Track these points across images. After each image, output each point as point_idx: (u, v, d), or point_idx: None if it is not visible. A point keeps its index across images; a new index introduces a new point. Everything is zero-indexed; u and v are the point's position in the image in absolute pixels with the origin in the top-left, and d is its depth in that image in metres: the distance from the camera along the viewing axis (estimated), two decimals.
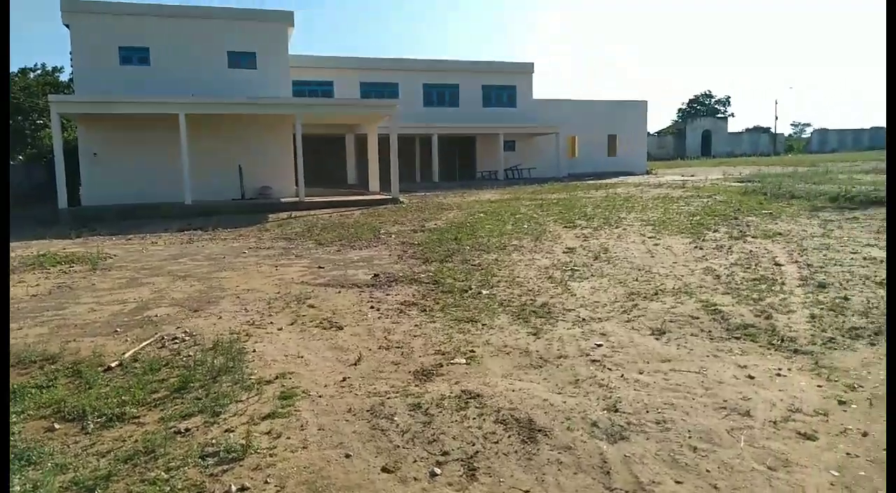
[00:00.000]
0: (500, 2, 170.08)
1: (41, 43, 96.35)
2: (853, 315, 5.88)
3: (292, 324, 6.34)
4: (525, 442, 3.64)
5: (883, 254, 8.51)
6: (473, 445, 3.62)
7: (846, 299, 6.43)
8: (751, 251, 9.14)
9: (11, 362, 5.16)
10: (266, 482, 3.27)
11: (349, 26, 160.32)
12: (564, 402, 4.17)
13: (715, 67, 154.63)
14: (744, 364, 4.81)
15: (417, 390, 4.46)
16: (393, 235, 12.63)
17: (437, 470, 3.35)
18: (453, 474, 3.33)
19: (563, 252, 9.84)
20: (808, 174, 21.79)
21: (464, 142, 35.48)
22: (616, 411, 4.01)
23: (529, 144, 36.16)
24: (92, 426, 3.99)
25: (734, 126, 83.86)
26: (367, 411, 4.12)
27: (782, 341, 5.30)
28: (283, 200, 20.62)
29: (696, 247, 9.74)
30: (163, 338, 5.86)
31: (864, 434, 3.60)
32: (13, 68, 33.73)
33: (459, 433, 3.77)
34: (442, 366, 4.97)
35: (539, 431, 3.76)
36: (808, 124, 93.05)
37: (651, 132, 68.81)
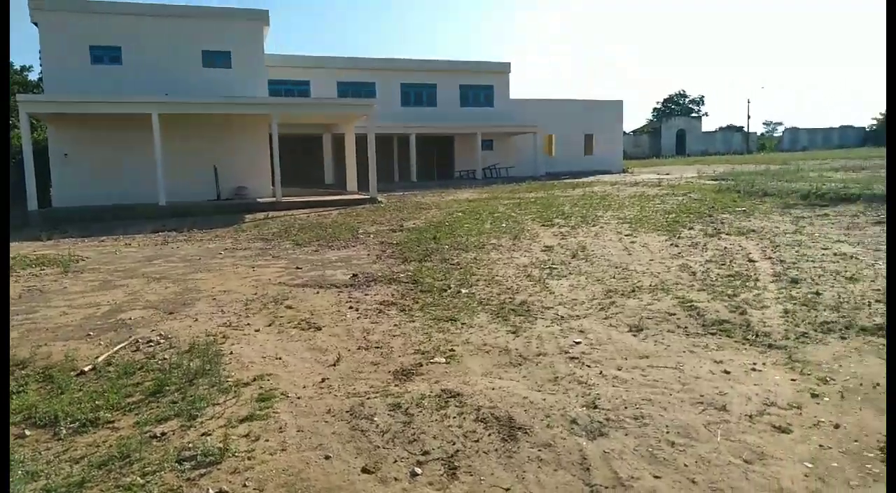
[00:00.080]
0: (489, 2, 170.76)
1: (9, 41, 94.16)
2: (825, 310, 5.99)
3: (270, 325, 6.27)
4: (505, 440, 3.65)
5: (853, 250, 8.69)
6: (454, 444, 3.62)
7: (818, 294, 6.56)
8: (725, 248, 9.27)
9: None
10: (244, 486, 3.23)
11: (326, 26, 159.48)
12: (544, 399, 4.18)
13: (689, 67, 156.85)
14: (719, 359, 4.87)
15: (397, 389, 4.45)
16: (371, 235, 12.58)
17: (418, 470, 3.35)
18: (434, 473, 3.32)
19: (542, 250, 9.89)
20: (780, 172, 22.18)
21: (442, 141, 35.48)
22: (595, 407, 4.04)
23: (507, 143, 36.30)
24: (64, 431, 3.91)
25: (708, 125, 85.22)
26: (347, 411, 4.10)
27: (757, 336, 5.38)
28: (259, 200, 20.43)
29: (671, 244, 9.85)
30: (137, 341, 5.76)
31: (836, 426, 3.68)
32: None
33: (440, 432, 3.77)
34: (422, 365, 4.96)
35: (519, 429, 3.77)
36: (780, 123, 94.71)
37: (627, 131, 69.47)
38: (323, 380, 4.71)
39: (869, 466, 3.24)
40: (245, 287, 8.09)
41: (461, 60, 36.37)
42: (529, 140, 34.91)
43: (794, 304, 6.25)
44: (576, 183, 24.99)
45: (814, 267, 7.78)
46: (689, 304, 6.42)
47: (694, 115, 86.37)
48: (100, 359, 5.22)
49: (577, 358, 5.01)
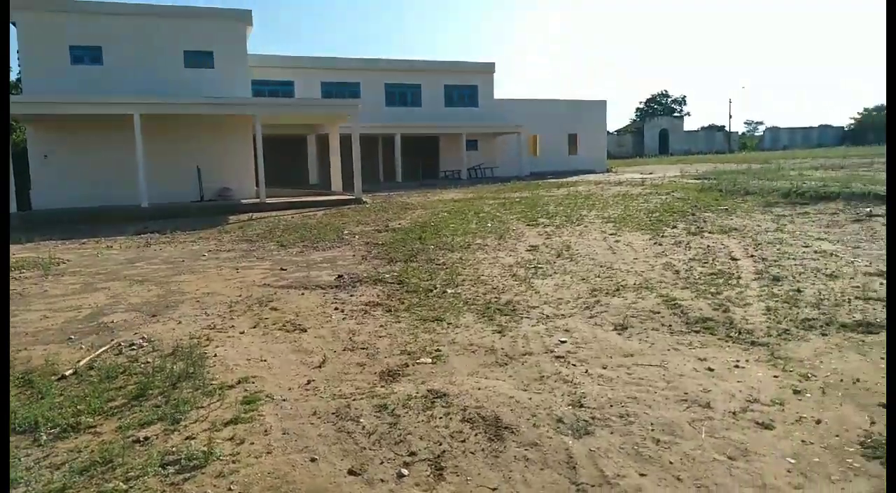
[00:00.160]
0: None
1: None
2: (806, 307, 6.07)
3: (255, 327, 6.23)
4: (492, 440, 3.65)
5: (832, 247, 8.81)
6: (440, 444, 3.62)
7: (799, 291, 6.64)
8: (708, 246, 9.36)
9: None
10: (229, 490, 3.20)
11: (311, 26, 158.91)
12: (530, 399, 4.19)
13: (671, 67, 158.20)
14: (703, 357, 4.91)
15: (383, 390, 4.44)
16: (356, 236, 12.54)
17: (405, 471, 3.34)
18: (420, 474, 3.32)
19: (527, 250, 9.92)
20: (761, 171, 22.44)
21: (427, 142, 35.47)
22: (581, 406, 4.06)
23: (492, 143, 36.37)
24: (45, 437, 3.85)
25: (690, 125, 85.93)
26: (333, 413, 4.08)
27: (740, 333, 5.44)
28: (243, 201, 20.29)
29: (655, 243, 9.92)
30: (119, 344, 5.70)
31: (818, 422, 3.72)
32: None
33: (426, 432, 3.76)
34: (408, 366, 4.95)
35: (505, 428, 3.78)
36: (761, 123, 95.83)
37: (610, 131, 69.95)
38: (308, 382, 4.69)
39: (850, 461, 3.28)
40: (229, 289, 8.02)
41: (445, 61, 36.40)
42: (514, 140, 35.02)
43: (776, 301, 6.32)
44: (560, 183, 25.10)
45: (795, 265, 7.87)
46: (673, 302, 6.47)
47: (676, 114, 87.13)
48: (81, 363, 5.15)
49: (563, 357, 5.03)
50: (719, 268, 7.94)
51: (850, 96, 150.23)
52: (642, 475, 3.23)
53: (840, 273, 7.31)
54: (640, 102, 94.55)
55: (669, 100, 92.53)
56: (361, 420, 3.95)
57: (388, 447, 3.60)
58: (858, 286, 6.68)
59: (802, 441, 3.51)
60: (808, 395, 4.12)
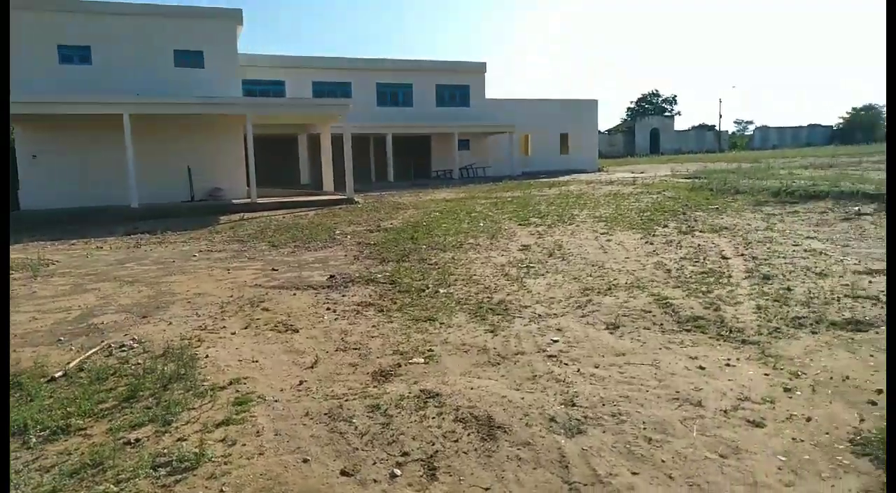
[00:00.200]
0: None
1: None
2: (796, 305, 6.11)
3: (246, 328, 6.20)
4: (484, 440, 3.65)
5: (822, 246, 8.88)
6: (433, 444, 3.61)
7: (789, 289, 6.68)
8: (699, 245, 9.41)
9: None
10: (221, 491, 3.18)
11: (311, 26, 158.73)
12: (522, 398, 4.20)
13: (661, 67, 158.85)
14: (694, 355, 4.94)
15: (376, 391, 4.43)
16: (348, 236, 12.51)
17: (398, 471, 3.33)
18: (413, 474, 3.31)
19: (519, 250, 9.93)
20: (751, 170, 22.57)
21: (418, 141, 35.45)
22: (573, 405, 4.06)
23: (483, 143, 36.39)
24: (34, 440, 3.82)
25: (681, 124, 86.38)
26: (325, 414, 4.07)
27: (730, 331, 5.47)
28: (234, 201, 20.20)
29: (646, 242, 9.96)
30: (110, 346, 5.66)
31: (808, 420, 3.75)
32: None
33: (419, 432, 3.76)
34: (400, 366, 4.94)
35: (498, 428, 3.78)
36: (751, 122, 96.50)
37: (602, 130, 70.12)
38: (300, 382, 4.67)
39: (839, 458, 3.30)
40: (220, 290, 7.99)
41: (437, 60, 36.38)
42: (505, 140, 35.05)
43: (767, 300, 6.36)
44: (552, 182, 25.15)
45: (785, 263, 7.92)
46: (664, 301, 6.49)
47: (667, 114, 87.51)
48: (71, 365, 5.11)
49: (555, 356, 5.04)
50: (710, 267, 7.98)
51: (839, 96, 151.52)
52: (634, 473, 3.25)
53: (829, 271, 7.36)
54: (632, 102, 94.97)
55: (660, 99, 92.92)
56: (354, 421, 3.94)
57: (381, 448, 3.60)
58: (848, 284, 6.73)
59: (793, 439, 3.53)
60: (799, 393, 4.15)
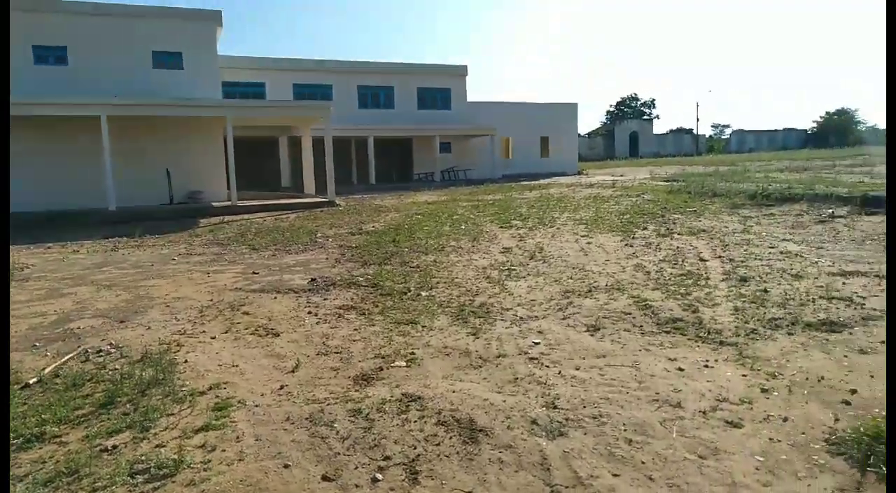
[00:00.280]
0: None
1: None
2: (772, 307, 6.20)
3: (226, 332, 6.15)
4: (466, 443, 3.65)
5: (797, 248, 9.03)
6: (415, 448, 3.61)
7: (766, 291, 6.78)
8: (677, 248, 9.51)
9: None
10: None
11: (283, 27, 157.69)
12: (504, 401, 4.21)
13: (639, 69, 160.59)
14: (674, 357, 4.99)
15: (357, 395, 4.41)
16: (330, 239, 12.46)
17: (379, 476, 3.32)
18: (395, 478, 3.31)
19: (500, 252, 9.97)
20: (728, 173, 22.90)
21: (400, 144, 35.43)
22: (554, 407, 4.09)
23: (465, 145, 36.47)
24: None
25: (659, 127, 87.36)
26: (306, 418, 4.04)
27: (709, 333, 5.53)
28: (214, 204, 20.02)
29: (626, 245, 10.05)
30: (86, 351, 5.57)
31: (785, 420, 3.80)
32: None
33: (401, 436, 3.75)
34: (382, 370, 4.93)
35: (480, 431, 3.79)
36: (728, 126, 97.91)
37: (582, 134, 70.68)
38: (281, 387, 4.64)
39: (815, 457, 3.36)
40: (200, 293, 7.90)
41: (418, 63, 36.43)
42: (487, 143, 35.16)
43: (744, 301, 6.45)
44: (532, 185, 25.28)
45: (761, 265, 8.04)
46: (644, 303, 6.56)
47: (646, 117, 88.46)
48: (46, 371, 5.02)
49: (537, 359, 5.06)
50: (688, 269, 8.07)
51: (812, 100, 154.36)
52: (615, 475, 3.27)
53: (805, 273, 7.49)
54: (611, 106, 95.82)
55: (639, 103, 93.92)
56: (335, 425, 3.92)
57: (363, 452, 3.58)
58: (822, 286, 6.85)
59: (770, 439, 3.58)
60: (776, 393, 4.21)
